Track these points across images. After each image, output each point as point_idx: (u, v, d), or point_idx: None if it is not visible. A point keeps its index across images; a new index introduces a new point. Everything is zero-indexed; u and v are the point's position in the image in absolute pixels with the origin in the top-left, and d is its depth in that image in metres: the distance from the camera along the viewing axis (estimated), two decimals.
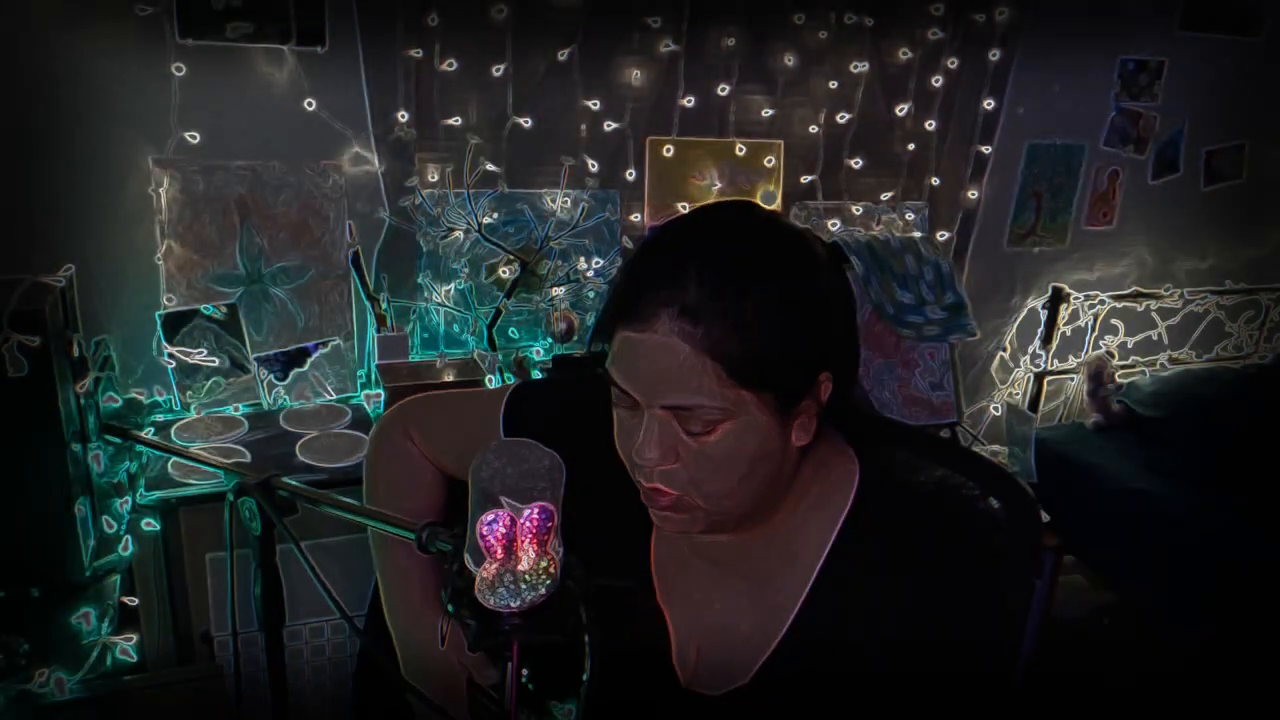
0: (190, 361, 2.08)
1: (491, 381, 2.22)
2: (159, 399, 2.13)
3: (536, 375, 2.30)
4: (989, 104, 2.68)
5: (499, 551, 0.72)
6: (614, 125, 2.39)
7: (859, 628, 0.91)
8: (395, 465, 1.17)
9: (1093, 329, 3.01)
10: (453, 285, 2.32)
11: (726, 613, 0.98)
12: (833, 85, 2.54)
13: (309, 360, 2.20)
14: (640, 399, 0.85)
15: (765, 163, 2.56)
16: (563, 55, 2.29)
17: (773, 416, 0.85)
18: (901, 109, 2.63)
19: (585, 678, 0.76)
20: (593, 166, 2.39)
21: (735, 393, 0.82)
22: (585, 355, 2.32)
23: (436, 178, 2.28)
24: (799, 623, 0.94)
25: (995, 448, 2.69)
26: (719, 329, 0.80)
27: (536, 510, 0.72)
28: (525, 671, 0.88)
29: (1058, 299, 2.90)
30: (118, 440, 1.90)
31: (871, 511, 0.94)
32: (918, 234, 2.67)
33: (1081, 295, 2.94)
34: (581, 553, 0.77)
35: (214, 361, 2.10)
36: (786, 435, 0.88)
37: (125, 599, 1.79)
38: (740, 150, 2.53)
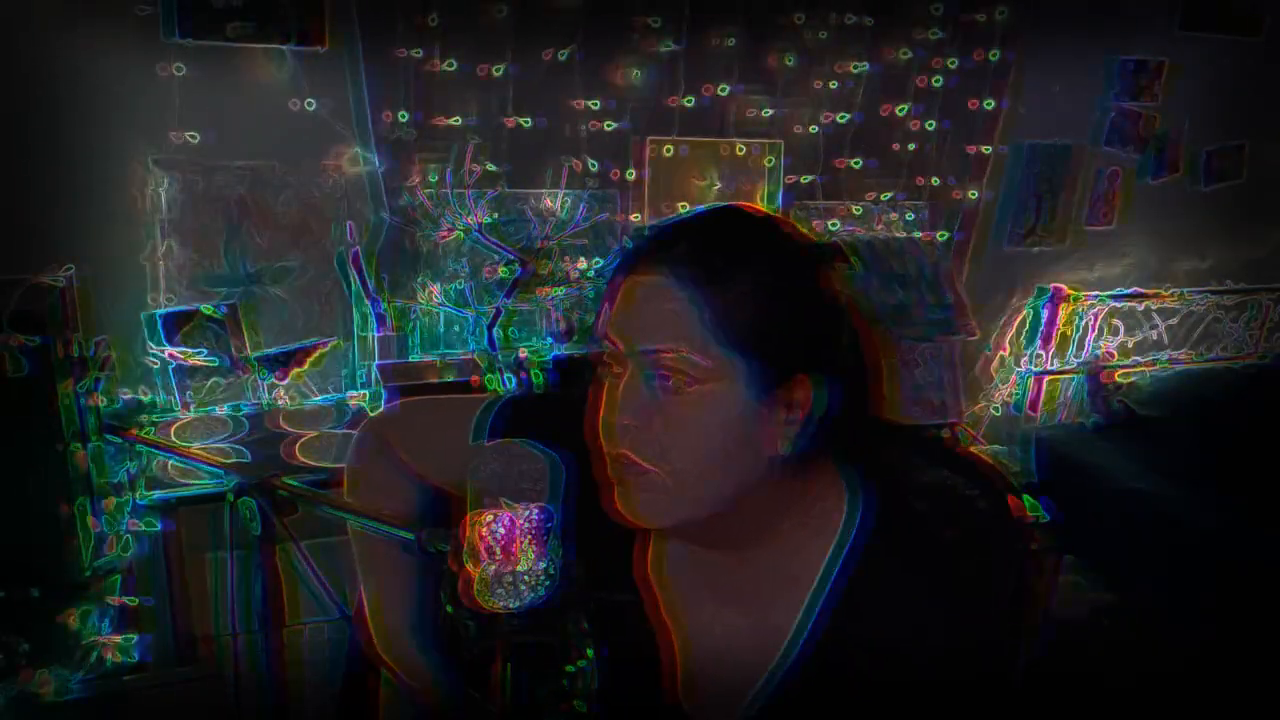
0: (190, 362, 2.08)
1: (491, 382, 2.22)
2: (159, 399, 2.13)
3: (536, 375, 2.30)
4: (989, 104, 2.68)
5: (498, 552, 0.72)
6: (614, 125, 2.39)
7: (867, 647, 0.90)
8: (373, 474, 1.16)
9: (1093, 329, 3.01)
10: (453, 285, 2.32)
11: (725, 638, 0.97)
12: (833, 85, 2.54)
13: (309, 360, 2.20)
14: (622, 345, 0.86)
15: (765, 163, 2.56)
16: (563, 55, 2.29)
17: (746, 393, 0.84)
18: (901, 109, 2.63)
19: (581, 703, 0.76)
20: (593, 166, 2.39)
21: (713, 350, 0.83)
22: (585, 355, 2.32)
23: (436, 178, 2.28)
24: (803, 648, 0.93)
25: (995, 448, 2.69)
26: (704, 277, 0.83)
27: (535, 511, 0.72)
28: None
29: (1058, 299, 2.90)
30: (118, 440, 1.90)
31: (874, 530, 0.93)
32: (918, 234, 2.67)
33: (1081, 295, 2.94)
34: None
35: (213, 361, 2.10)
36: (762, 429, 0.85)
37: (125, 599, 1.79)
38: (740, 150, 2.53)
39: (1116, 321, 3.02)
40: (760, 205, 0.86)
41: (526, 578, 0.72)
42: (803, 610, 0.93)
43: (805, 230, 0.92)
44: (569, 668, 0.81)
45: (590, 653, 0.76)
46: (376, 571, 1.13)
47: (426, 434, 1.16)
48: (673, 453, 0.85)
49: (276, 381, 2.17)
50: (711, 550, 0.95)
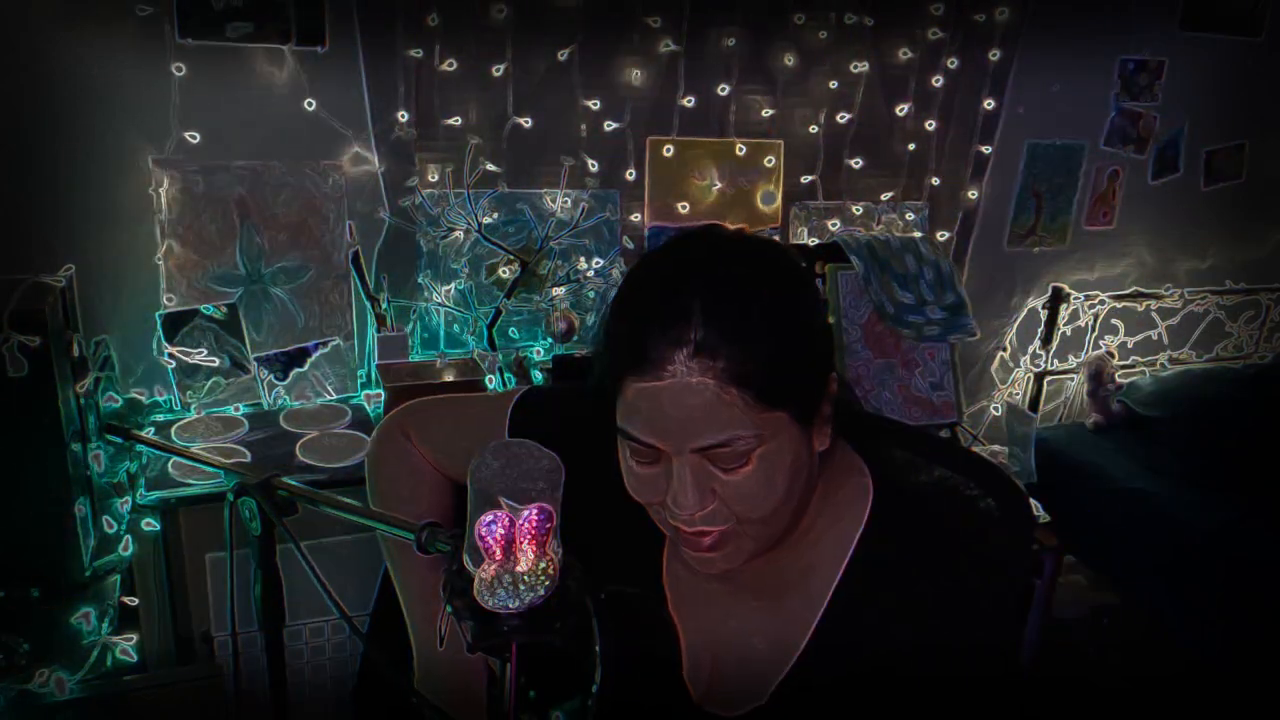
0: (190, 361, 2.08)
1: (492, 381, 2.22)
2: (159, 399, 2.13)
3: (536, 375, 2.30)
4: (989, 104, 2.68)
5: (498, 553, 0.72)
6: (614, 125, 2.39)
7: (877, 640, 0.91)
8: (397, 469, 1.17)
9: (1093, 329, 3.01)
10: (453, 285, 2.32)
11: (741, 631, 0.97)
12: (833, 85, 2.54)
13: (309, 360, 2.20)
14: (668, 447, 0.83)
15: (765, 163, 2.56)
16: (563, 55, 2.29)
17: (800, 430, 0.85)
18: (901, 109, 2.63)
19: (594, 687, 0.75)
20: (593, 166, 2.39)
21: (764, 415, 0.81)
22: (585, 355, 2.32)
23: (436, 178, 2.28)
24: (817, 639, 0.93)
25: (995, 448, 2.69)
26: (736, 356, 0.79)
27: (535, 511, 0.72)
28: (523, 679, 0.87)
29: (1058, 299, 2.90)
30: (118, 440, 1.90)
31: (886, 524, 0.93)
32: (918, 234, 2.67)
33: (1081, 295, 2.94)
34: (591, 567, 0.76)
35: (214, 361, 2.10)
36: (811, 444, 0.88)
37: (125, 599, 1.79)
38: (740, 150, 2.53)
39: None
40: (719, 228, 0.82)
41: (526, 578, 0.72)
42: (816, 602, 0.94)
43: (768, 240, 0.92)
44: (571, 668, 0.81)
45: (596, 650, 0.76)
46: (412, 575, 1.13)
47: (447, 430, 1.16)
48: (746, 512, 0.86)
49: (276, 382, 2.17)
50: None
